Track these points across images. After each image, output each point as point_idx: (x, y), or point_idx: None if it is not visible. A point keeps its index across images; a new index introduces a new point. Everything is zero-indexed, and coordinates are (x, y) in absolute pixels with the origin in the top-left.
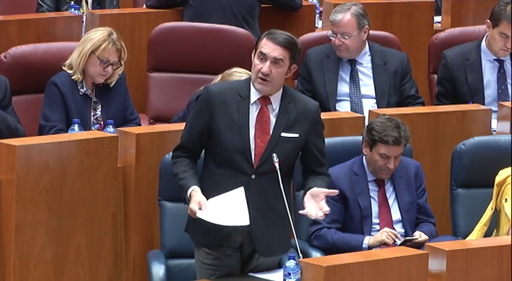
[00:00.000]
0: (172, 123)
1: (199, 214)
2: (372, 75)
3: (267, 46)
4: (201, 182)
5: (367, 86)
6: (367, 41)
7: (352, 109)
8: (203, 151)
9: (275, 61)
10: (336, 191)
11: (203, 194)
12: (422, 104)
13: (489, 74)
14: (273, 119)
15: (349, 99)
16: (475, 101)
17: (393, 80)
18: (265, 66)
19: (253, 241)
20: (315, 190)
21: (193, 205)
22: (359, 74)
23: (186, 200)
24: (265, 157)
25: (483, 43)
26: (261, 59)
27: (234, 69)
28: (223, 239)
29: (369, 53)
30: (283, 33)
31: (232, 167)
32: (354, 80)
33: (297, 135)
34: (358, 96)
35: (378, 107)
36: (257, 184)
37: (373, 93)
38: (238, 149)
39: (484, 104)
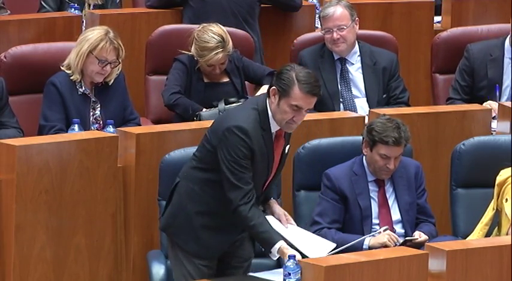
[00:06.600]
0: None
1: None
2: (362, 75)
3: (302, 100)
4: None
5: (357, 85)
6: (357, 41)
7: (345, 108)
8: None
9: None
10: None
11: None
12: (405, 103)
13: (509, 72)
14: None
15: (341, 98)
16: (491, 98)
17: (382, 80)
18: (300, 115)
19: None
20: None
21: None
22: (349, 74)
23: (272, 253)
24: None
25: (507, 40)
26: (294, 110)
27: (203, 25)
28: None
29: (358, 53)
30: (315, 81)
31: None
32: (344, 79)
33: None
34: (350, 95)
35: (369, 107)
36: (260, 202)
37: (363, 93)
38: (262, 179)
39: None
